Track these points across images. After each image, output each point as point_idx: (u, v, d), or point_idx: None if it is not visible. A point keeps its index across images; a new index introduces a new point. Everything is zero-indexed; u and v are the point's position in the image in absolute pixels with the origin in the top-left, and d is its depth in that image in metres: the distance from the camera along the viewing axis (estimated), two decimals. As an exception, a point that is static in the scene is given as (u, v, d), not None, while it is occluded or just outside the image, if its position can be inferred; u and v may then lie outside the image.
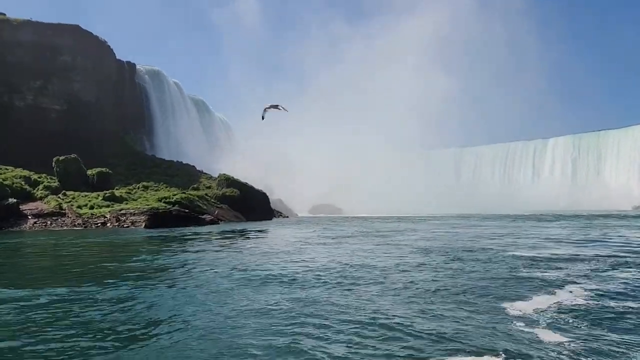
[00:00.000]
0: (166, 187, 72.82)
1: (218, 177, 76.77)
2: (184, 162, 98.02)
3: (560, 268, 14.17)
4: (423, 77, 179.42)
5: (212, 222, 54.37)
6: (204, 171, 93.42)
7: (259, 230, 39.96)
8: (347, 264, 15.61)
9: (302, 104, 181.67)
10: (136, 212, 50.08)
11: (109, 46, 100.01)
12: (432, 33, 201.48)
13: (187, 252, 22.07)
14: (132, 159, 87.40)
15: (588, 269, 13.81)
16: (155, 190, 70.39)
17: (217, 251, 22.06)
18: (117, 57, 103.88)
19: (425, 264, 15.55)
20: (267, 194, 79.27)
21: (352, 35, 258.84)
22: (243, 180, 76.33)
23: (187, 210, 56.02)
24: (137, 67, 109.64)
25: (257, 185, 78.31)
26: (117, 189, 63.50)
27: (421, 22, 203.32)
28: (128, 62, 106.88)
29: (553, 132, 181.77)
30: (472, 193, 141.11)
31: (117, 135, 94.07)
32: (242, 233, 37.25)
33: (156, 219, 48.30)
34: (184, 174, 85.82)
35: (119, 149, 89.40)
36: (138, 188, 70.38)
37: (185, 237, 32.42)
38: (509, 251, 19.43)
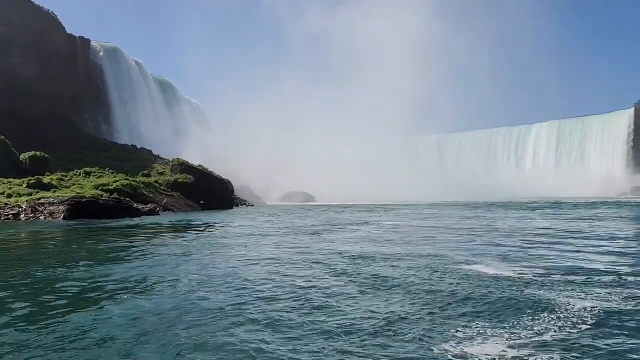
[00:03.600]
0: (113, 174, 65.43)
1: (172, 161, 69.53)
2: (144, 147, 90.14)
3: (530, 309, 7.95)
4: (411, 60, 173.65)
5: (150, 213, 47.47)
6: (164, 157, 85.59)
7: (193, 226, 33.58)
8: (224, 293, 9.44)
9: (279, 88, 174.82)
10: (56, 201, 42.86)
11: (57, 19, 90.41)
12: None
13: (44, 255, 15.45)
14: (78, 143, 79.07)
15: (576, 316, 7.56)
16: (99, 177, 63.01)
17: (79, 259, 15.53)
18: (69, 32, 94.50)
19: (315, 296, 9.14)
20: (235, 182, 72.75)
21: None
22: (208, 167, 69.60)
23: (126, 199, 49.32)
24: (92, 43, 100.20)
25: (227, 173, 71.69)
26: (48, 175, 56.01)
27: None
28: (81, 38, 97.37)
29: (537, 118, 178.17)
30: (455, 180, 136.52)
31: (64, 116, 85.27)
32: (168, 228, 30.79)
33: (78, 209, 41.22)
34: (136, 159, 78.05)
35: (65, 131, 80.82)
36: (78, 174, 62.92)
37: (88, 234, 25.77)
38: (467, 263, 13.20)
